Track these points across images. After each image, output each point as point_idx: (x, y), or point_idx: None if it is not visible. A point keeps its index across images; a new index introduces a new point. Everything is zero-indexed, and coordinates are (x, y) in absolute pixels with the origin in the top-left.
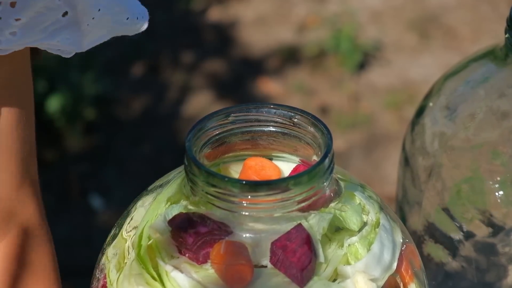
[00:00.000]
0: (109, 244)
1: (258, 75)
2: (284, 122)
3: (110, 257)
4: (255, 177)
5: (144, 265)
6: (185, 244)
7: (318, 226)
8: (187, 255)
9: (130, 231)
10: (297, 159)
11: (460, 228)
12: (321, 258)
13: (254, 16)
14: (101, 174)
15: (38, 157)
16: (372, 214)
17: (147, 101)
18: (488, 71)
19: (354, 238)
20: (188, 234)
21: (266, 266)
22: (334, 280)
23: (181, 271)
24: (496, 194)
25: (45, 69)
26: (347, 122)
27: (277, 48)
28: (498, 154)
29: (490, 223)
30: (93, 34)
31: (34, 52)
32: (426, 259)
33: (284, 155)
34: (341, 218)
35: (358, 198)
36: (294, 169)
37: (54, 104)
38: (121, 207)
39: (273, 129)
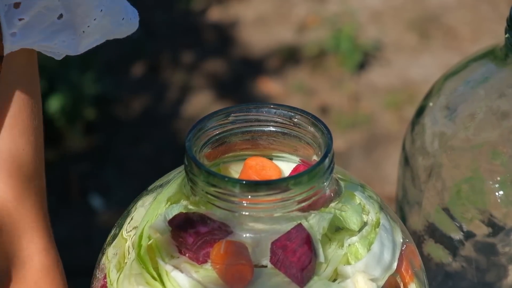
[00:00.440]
0: (109, 244)
1: (258, 75)
2: (284, 122)
3: (110, 257)
4: (255, 177)
5: (144, 265)
6: (185, 244)
7: (318, 226)
8: (187, 255)
9: (130, 231)
10: (297, 159)
11: (460, 228)
12: (321, 258)
13: (254, 16)
14: (101, 174)
15: None
16: (372, 214)
17: (147, 101)
18: (488, 71)
19: (354, 238)
20: (188, 234)
21: (266, 266)
22: (334, 280)
23: (181, 271)
24: (496, 194)
25: (45, 69)
26: (347, 122)
27: (277, 48)
28: (498, 154)
29: (490, 223)
30: (89, 38)
31: None
32: (426, 259)
33: (284, 155)
34: (341, 218)
35: (358, 198)
36: (294, 169)
37: (54, 104)
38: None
39: (273, 129)
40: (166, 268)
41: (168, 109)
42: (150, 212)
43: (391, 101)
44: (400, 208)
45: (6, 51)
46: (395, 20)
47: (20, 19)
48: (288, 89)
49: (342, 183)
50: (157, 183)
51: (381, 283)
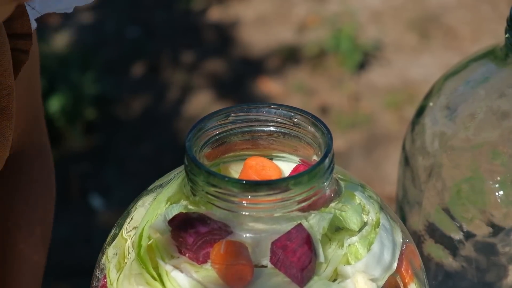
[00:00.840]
0: (109, 244)
1: (258, 75)
2: (284, 122)
3: (110, 257)
4: (255, 177)
5: (144, 265)
6: (185, 244)
7: (318, 226)
8: (187, 255)
9: (130, 231)
10: (297, 159)
11: (460, 228)
12: (321, 258)
13: (254, 16)
14: (101, 174)
15: None
16: (372, 214)
17: (147, 101)
18: (488, 71)
19: (354, 238)
20: (188, 234)
21: (266, 266)
22: (334, 280)
23: (181, 271)
24: (496, 194)
25: (45, 69)
26: (347, 122)
27: (277, 48)
28: (498, 154)
29: (490, 223)
30: None
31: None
32: (426, 259)
33: (284, 155)
34: (341, 218)
35: (358, 198)
36: (294, 169)
37: (54, 104)
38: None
39: (273, 129)
40: (166, 268)
41: (168, 109)
42: (150, 212)
43: (391, 101)
44: (400, 208)
45: (33, 27)
46: (395, 20)
47: None
48: (288, 89)
49: (342, 183)
50: (157, 183)
51: (381, 283)
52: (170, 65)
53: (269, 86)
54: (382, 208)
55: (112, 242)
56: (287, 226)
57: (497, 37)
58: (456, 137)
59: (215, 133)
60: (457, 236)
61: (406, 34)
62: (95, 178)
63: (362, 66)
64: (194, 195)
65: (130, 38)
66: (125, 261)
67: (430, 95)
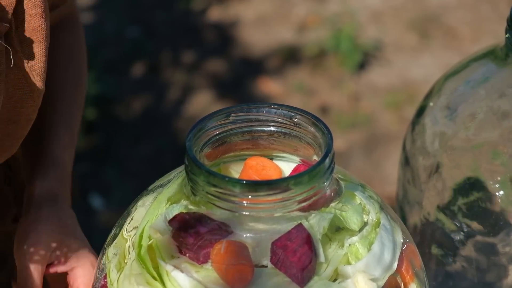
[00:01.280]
0: (110, 244)
1: (258, 75)
2: (284, 122)
3: (110, 257)
4: (255, 177)
5: (144, 265)
6: (186, 244)
7: (318, 226)
8: (187, 255)
9: (131, 231)
10: (297, 159)
11: (460, 228)
12: (322, 258)
13: (254, 16)
14: (101, 174)
15: None
16: (372, 214)
17: (147, 101)
18: (488, 71)
19: (355, 238)
20: (188, 234)
21: (266, 266)
22: (335, 280)
23: (182, 271)
24: (496, 194)
25: None
26: (347, 122)
27: (277, 48)
28: (498, 154)
29: (490, 223)
30: None
31: None
32: (427, 259)
33: (284, 155)
34: (341, 218)
35: (359, 198)
36: (295, 169)
37: None
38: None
39: (274, 129)
40: (167, 268)
41: (168, 109)
42: (151, 212)
43: (391, 101)
44: (400, 208)
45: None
46: (395, 20)
47: None
48: (288, 89)
49: (342, 183)
50: (157, 183)
51: (382, 283)
52: (170, 65)
53: (269, 86)
54: (382, 208)
55: (112, 242)
56: (288, 226)
57: (497, 37)
58: (456, 137)
59: (215, 133)
60: (457, 236)
61: (406, 34)
62: (95, 178)
63: (362, 66)
64: (195, 195)
65: (130, 38)
66: (125, 261)
67: (430, 95)
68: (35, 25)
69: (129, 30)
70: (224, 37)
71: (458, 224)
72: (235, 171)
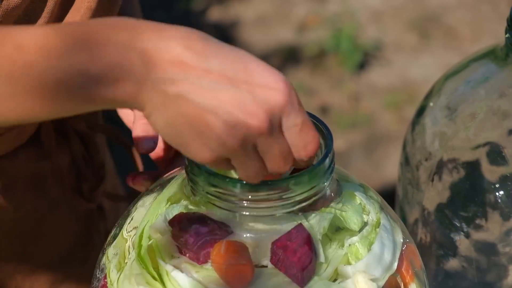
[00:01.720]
0: (110, 244)
1: None
2: None
3: (110, 257)
4: None
5: (144, 265)
6: (186, 244)
7: (318, 226)
8: (187, 255)
9: (131, 231)
10: None
11: (460, 228)
12: (322, 258)
13: (254, 16)
14: None
15: None
16: (372, 214)
17: None
18: (488, 71)
19: (355, 238)
20: (188, 234)
21: (266, 266)
22: (335, 280)
23: (182, 271)
24: (496, 194)
25: None
26: (347, 122)
27: (277, 48)
28: (499, 154)
29: (490, 223)
30: None
31: None
32: (427, 259)
33: None
34: (341, 218)
35: (359, 198)
36: (295, 169)
37: None
38: None
39: None
40: (167, 268)
41: None
42: (151, 212)
43: (391, 101)
44: (400, 208)
45: None
46: (395, 20)
47: None
48: None
49: (342, 183)
50: (157, 183)
51: (382, 283)
52: None
53: None
54: (382, 208)
55: (112, 242)
56: (288, 226)
57: (497, 37)
58: (456, 137)
59: None
60: (457, 236)
61: (406, 34)
62: None
63: (362, 66)
64: (195, 195)
65: None
66: (125, 261)
67: (430, 95)
68: None
69: None
70: (224, 37)
71: (458, 224)
72: (235, 171)
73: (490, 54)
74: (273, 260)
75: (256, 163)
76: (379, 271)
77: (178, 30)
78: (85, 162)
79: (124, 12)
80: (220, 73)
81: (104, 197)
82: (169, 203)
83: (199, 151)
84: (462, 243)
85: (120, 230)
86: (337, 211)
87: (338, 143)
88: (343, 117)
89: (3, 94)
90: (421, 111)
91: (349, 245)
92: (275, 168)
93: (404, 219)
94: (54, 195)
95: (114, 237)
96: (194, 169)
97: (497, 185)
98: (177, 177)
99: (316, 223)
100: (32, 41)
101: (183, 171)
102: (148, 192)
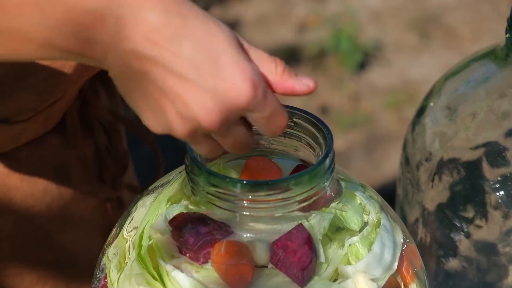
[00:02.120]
0: (110, 244)
1: None
2: None
3: (110, 257)
4: (256, 177)
5: (144, 265)
6: (186, 244)
7: (319, 226)
8: (188, 255)
9: (131, 231)
10: (297, 159)
11: (460, 228)
12: (322, 258)
13: (255, 16)
14: None
15: None
16: (372, 214)
17: None
18: (488, 71)
19: (355, 238)
20: (188, 234)
21: (266, 266)
22: (335, 280)
23: (182, 271)
24: (496, 194)
25: None
26: (347, 122)
27: (277, 48)
28: (499, 154)
29: (490, 223)
30: None
31: None
32: (427, 259)
33: (284, 155)
34: (342, 218)
35: (359, 198)
36: (295, 169)
37: None
38: None
39: None
40: (167, 268)
41: None
42: (151, 212)
43: (391, 101)
44: (400, 208)
45: None
46: (395, 20)
47: None
48: None
49: (342, 183)
50: (158, 183)
51: (382, 283)
52: None
53: None
54: (382, 208)
55: (112, 242)
56: (288, 226)
57: (498, 37)
58: (456, 137)
59: None
60: (457, 236)
61: (406, 34)
62: None
63: (362, 66)
64: (195, 195)
65: None
66: (125, 261)
67: (430, 95)
68: None
69: None
70: None
71: (459, 224)
72: (235, 171)
73: (490, 54)
74: (273, 260)
75: (206, 145)
76: (379, 271)
77: (161, 1)
78: (108, 151)
79: None
80: (189, 60)
81: (125, 188)
82: (169, 203)
83: (151, 124)
84: (462, 243)
85: (120, 230)
86: (337, 211)
87: (338, 143)
88: (343, 117)
89: None
90: (421, 111)
91: (349, 245)
92: (232, 152)
93: (404, 219)
94: (78, 184)
95: (114, 237)
96: (194, 169)
97: (497, 185)
98: (178, 177)
99: (316, 223)
100: None
101: (184, 171)
102: (148, 192)
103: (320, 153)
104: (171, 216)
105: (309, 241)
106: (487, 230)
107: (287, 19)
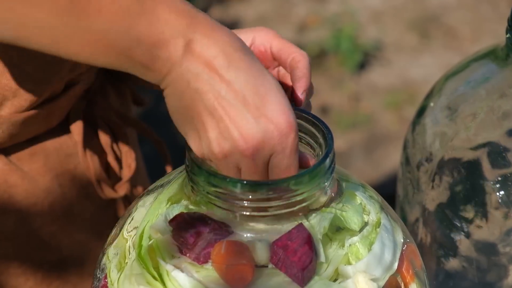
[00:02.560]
0: (110, 244)
1: None
2: None
3: (111, 257)
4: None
5: (145, 265)
6: (186, 244)
7: (319, 226)
8: (188, 255)
9: (131, 231)
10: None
11: (460, 228)
12: (322, 258)
13: (255, 16)
14: None
15: None
16: (373, 214)
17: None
18: (489, 71)
19: (355, 238)
20: (189, 234)
21: (267, 266)
22: (335, 280)
23: (182, 271)
24: (497, 194)
25: None
26: (348, 122)
27: None
28: (499, 154)
29: (490, 223)
30: None
31: None
32: (427, 259)
33: None
34: (342, 218)
35: (359, 198)
36: (305, 161)
37: None
38: None
39: None
40: (167, 268)
41: None
42: (151, 212)
43: (391, 101)
44: (400, 208)
45: None
46: (395, 20)
47: None
48: None
49: (343, 183)
50: (158, 183)
51: (382, 283)
52: None
53: None
54: (383, 208)
55: (113, 242)
56: (288, 226)
57: (498, 37)
58: (457, 137)
59: None
60: (457, 236)
61: (406, 34)
62: None
63: (362, 66)
64: (195, 195)
65: None
66: (126, 261)
67: (430, 95)
68: None
69: None
70: None
71: (459, 224)
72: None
73: (490, 54)
74: (273, 260)
75: (232, 173)
76: (380, 271)
77: (226, 35)
78: (114, 152)
79: None
80: (240, 89)
81: (135, 189)
82: (169, 203)
83: (193, 143)
84: (462, 243)
85: (120, 230)
86: (337, 211)
87: (338, 143)
88: (343, 117)
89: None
90: (421, 111)
91: (350, 245)
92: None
93: (404, 219)
94: (81, 184)
95: (115, 237)
96: (194, 169)
97: (497, 185)
98: (178, 177)
99: (316, 223)
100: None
101: (184, 171)
102: (149, 192)
103: (320, 153)
104: (171, 216)
105: (309, 241)
106: (487, 230)
107: (287, 19)
